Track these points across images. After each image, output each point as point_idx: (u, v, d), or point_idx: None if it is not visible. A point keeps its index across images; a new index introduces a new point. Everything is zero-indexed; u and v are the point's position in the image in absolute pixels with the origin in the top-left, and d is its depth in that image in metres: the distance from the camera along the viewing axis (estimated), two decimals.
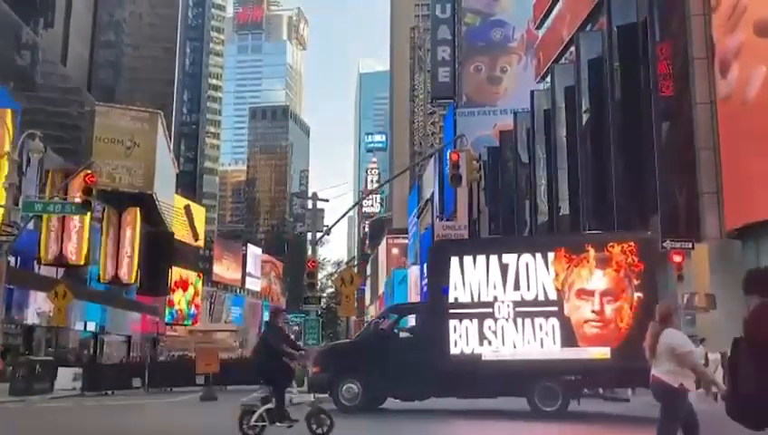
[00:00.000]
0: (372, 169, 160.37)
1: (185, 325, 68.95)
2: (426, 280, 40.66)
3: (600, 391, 15.16)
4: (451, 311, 14.51)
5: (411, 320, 17.30)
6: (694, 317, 22.17)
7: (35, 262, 37.44)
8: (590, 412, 14.57)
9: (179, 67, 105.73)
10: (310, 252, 29.54)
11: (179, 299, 68.71)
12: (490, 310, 14.23)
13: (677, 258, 19.98)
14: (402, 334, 15.82)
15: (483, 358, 14.04)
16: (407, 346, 15.14)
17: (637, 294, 13.75)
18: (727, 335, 19.54)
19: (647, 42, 25.47)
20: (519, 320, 14.12)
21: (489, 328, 14.18)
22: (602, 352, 13.54)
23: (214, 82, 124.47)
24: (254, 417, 10.17)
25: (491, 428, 13.38)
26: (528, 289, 14.19)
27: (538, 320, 13.99)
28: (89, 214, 32.70)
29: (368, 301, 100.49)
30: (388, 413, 15.44)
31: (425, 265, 48.00)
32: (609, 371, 13.75)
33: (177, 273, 66.55)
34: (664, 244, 20.89)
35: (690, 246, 20.74)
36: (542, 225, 35.99)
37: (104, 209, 43.80)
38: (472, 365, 14.11)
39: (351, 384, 14.93)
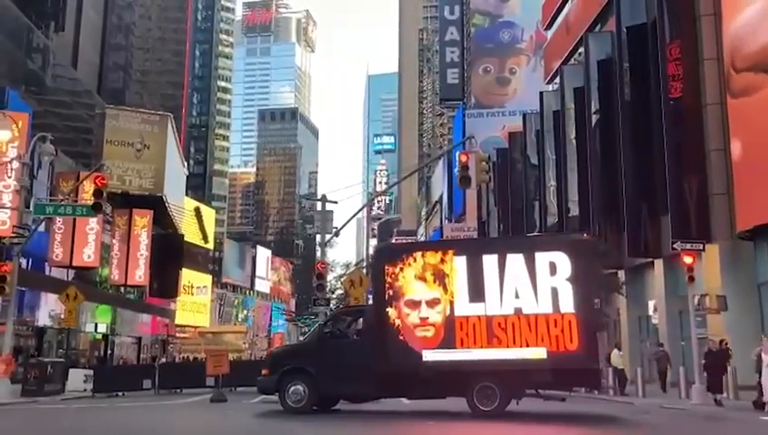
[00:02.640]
0: (381, 170, 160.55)
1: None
2: None
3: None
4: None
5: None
6: (705, 318, 22.07)
7: (46, 264, 37.64)
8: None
9: (189, 70, 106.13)
10: (319, 254, 29.59)
11: None
12: None
13: (688, 259, 19.87)
14: (349, 336, 15.95)
15: (423, 359, 14.21)
16: (352, 348, 15.33)
17: None
18: (739, 335, 19.51)
19: (656, 42, 25.38)
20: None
21: None
22: (538, 353, 13.69)
23: (223, 84, 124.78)
24: None
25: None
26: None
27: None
28: (100, 216, 32.85)
29: None
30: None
31: None
32: (545, 371, 13.86)
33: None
34: (674, 245, 20.80)
35: (701, 247, 20.64)
36: (551, 226, 35.93)
37: (112, 210, 43.98)
38: (413, 366, 14.29)
39: (298, 386, 15.00)
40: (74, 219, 36.20)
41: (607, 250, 26.99)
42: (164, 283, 54.07)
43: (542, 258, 13.96)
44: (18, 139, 29.36)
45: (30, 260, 34.43)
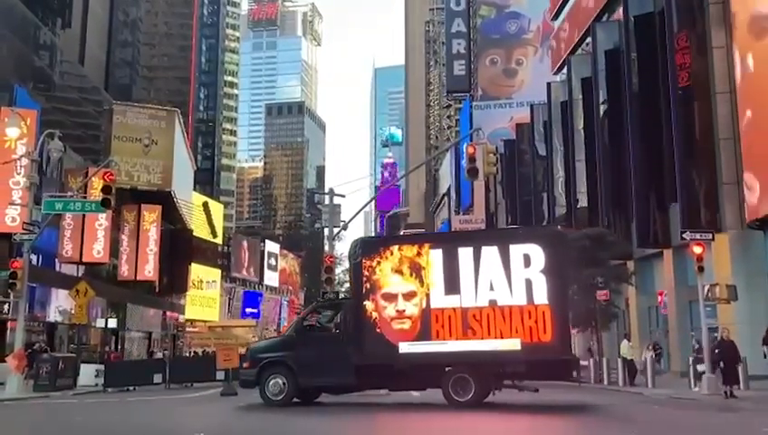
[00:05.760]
0: (388, 163, 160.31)
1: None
2: None
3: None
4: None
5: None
6: (715, 308, 22.00)
7: (56, 260, 37.84)
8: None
9: (195, 65, 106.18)
10: (327, 247, 29.63)
11: None
12: None
13: (698, 249, 19.78)
14: (328, 329, 16.08)
15: (399, 351, 14.35)
16: (331, 341, 15.41)
17: None
18: (749, 325, 19.40)
19: (664, 31, 25.24)
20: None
21: None
22: (512, 344, 13.77)
23: (229, 79, 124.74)
24: None
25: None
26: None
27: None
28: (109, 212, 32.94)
29: None
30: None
31: None
32: (519, 362, 14.00)
33: None
34: (684, 235, 20.72)
35: (710, 237, 20.54)
36: (559, 217, 35.87)
37: (119, 206, 44.08)
38: (388, 358, 14.46)
39: (277, 379, 15.22)
40: (83, 215, 36.34)
41: (614, 241, 26.97)
42: (173, 278, 54.26)
43: (517, 250, 14.10)
44: (27, 136, 29.48)
45: (40, 256, 34.60)
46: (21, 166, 28.52)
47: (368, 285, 14.77)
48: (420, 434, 11.70)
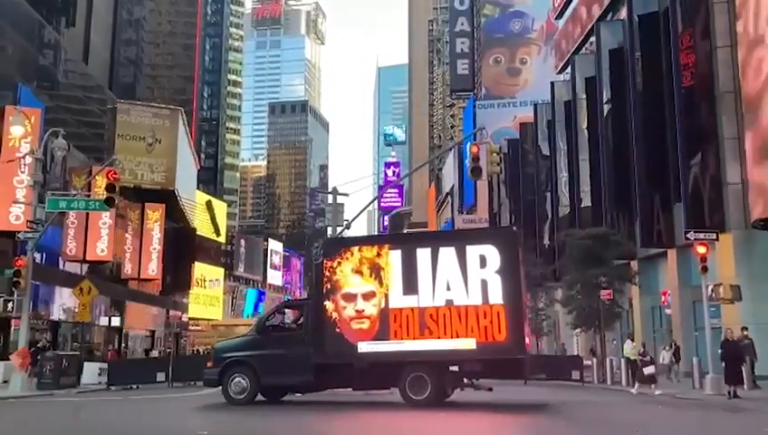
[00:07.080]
0: (392, 162, 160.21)
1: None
2: None
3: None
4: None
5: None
6: (719, 308, 21.95)
7: (60, 258, 37.89)
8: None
9: (199, 64, 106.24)
10: None
11: None
12: None
13: (702, 249, 19.74)
14: (290, 329, 16.20)
15: (358, 351, 14.48)
16: (292, 340, 15.47)
17: None
18: (754, 325, 19.31)
19: (668, 31, 25.19)
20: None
21: None
22: (468, 344, 13.85)
23: (233, 77, 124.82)
24: None
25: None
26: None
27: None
28: (113, 210, 32.96)
29: None
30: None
31: None
32: (475, 361, 14.13)
33: None
34: (688, 235, 20.68)
35: (714, 237, 20.51)
36: (563, 217, 35.84)
37: (125, 206, 44.16)
38: (348, 358, 14.60)
39: (239, 378, 15.36)
40: (87, 214, 36.38)
41: (617, 240, 26.92)
42: (177, 276, 54.33)
43: (473, 251, 14.24)
44: (31, 134, 29.52)
45: (44, 255, 34.63)
46: (25, 164, 28.54)
47: (328, 286, 14.98)
48: (417, 433, 11.70)
